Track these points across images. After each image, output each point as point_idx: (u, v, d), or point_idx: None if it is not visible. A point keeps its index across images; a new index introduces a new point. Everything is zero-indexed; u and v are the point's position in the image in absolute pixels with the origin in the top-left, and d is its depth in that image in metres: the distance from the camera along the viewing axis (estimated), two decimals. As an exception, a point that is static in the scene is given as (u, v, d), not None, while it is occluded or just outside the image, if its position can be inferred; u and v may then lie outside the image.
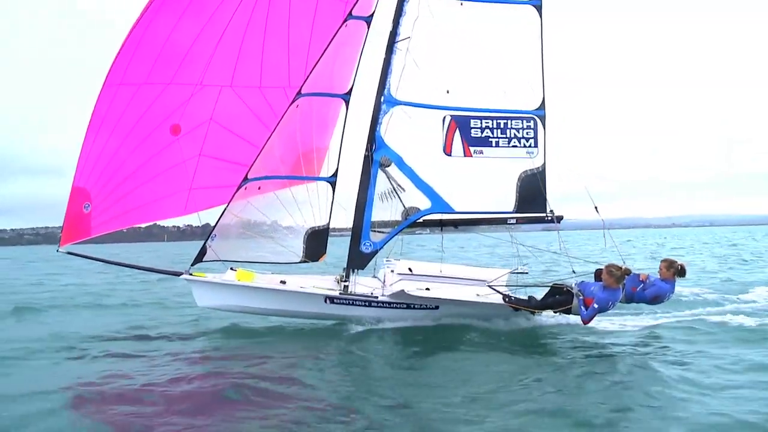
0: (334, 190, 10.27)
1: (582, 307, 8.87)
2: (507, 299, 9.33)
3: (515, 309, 9.40)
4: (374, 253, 10.01)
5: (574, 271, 9.51)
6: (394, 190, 9.94)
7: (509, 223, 10.19)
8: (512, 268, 10.63)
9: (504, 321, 9.79)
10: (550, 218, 10.18)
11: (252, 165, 9.74)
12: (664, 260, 9.35)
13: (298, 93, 9.65)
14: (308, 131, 10.06)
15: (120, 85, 9.87)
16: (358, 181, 9.97)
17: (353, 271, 10.07)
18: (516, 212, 10.16)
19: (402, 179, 9.96)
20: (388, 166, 9.90)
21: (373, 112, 9.77)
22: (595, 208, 9.78)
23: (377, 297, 9.67)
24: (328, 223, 10.33)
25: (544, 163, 10.14)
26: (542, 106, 10.09)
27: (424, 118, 9.98)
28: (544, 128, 10.12)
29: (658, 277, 9.23)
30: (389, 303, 9.66)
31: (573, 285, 9.13)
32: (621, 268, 8.66)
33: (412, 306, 9.66)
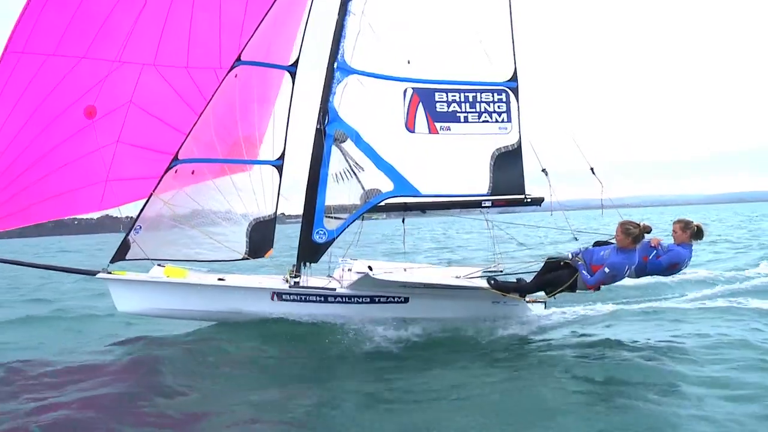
0: (280, 175, 8.84)
1: (584, 272, 7.49)
2: (491, 282, 7.87)
3: (503, 295, 7.92)
4: (329, 242, 8.49)
5: (576, 238, 8.20)
6: (351, 169, 8.57)
7: (483, 207, 8.88)
8: (487, 266, 9.24)
9: (493, 318, 8.32)
10: (529, 200, 8.93)
11: (183, 144, 8.26)
12: (679, 221, 7.92)
13: (238, 59, 8.34)
14: (249, 107, 8.71)
15: (23, 53, 8.35)
16: (309, 158, 8.56)
17: (305, 265, 8.49)
18: (491, 194, 8.88)
19: (360, 157, 8.62)
20: (344, 141, 8.57)
21: (326, 79, 8.52)
22: (591, 169, 8.60)
23: (335, 289, 8.08)
24: (275, 214, 8.83)
25: (520, 139, 9.00)
26: (514, 77, 9.05)
27: (383, 90, 8.78)
28: (518, 101, 9.04)
29: (672, 241, 7.93)
30: (350, 297, 8.08)
31: (570, 255, 7.77)
32: (639, 224, 7.24)
33: (376, 299, 8.10)
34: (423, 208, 8.86)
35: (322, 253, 8.49)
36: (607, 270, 7.30)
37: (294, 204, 8.96)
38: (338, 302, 8.10)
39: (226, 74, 8.27)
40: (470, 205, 8.91)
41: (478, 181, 8.89)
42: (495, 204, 8.87)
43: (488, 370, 6.63)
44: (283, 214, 9.63)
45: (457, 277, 8.62)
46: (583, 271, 7.53)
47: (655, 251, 7.76)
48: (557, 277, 7.72)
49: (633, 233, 7.22)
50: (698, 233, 7.84)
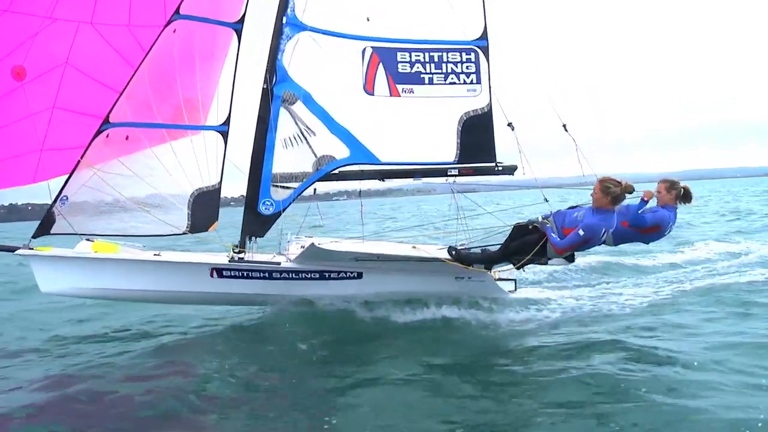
0: (226, 142, 8.02)
1: (553, 235, 6.62)
2: (451, 252, 7.01)
3: (465, 267, 7.05)
4: (277, 215, 7.68)
5: (546, 200, 7.36)
6: (302, 133, 7.77)
7: (450, 176, 8.03)
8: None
9: (457, 296, 7.46)
10: (500, 169, 8.07)
11: (114, 106, 7.48)
12: (664, 180, 7.08)
13: (176, 12, 7.58)
14: (190, 68, 7.91)
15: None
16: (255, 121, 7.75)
17: (250, 239, 7.66)
18: (458, 162, 8.04)
19: (312, 121, 7.82)
20: (293, 103, 7.77)
21: (273, 35, 7.74)
22: (564, 126, 7.77)
23: (280, 264, 7.24)
24: (220, 183, 8.00)
25: (490, 102, 8.16)
26: (484, 35, 8.23)
27: (339, 49, 7.99)
28: (488, 61, 8.21)
29: (655, 203, 7.07)
30: (297, 272, 7.24)
31: (540, 218, 6.91)
32: (620, 182, 6.41)
33: (327, 275, 7.26)
34: (382, 177, 8.02)
35: (269, 226, 7.67)
36: (581, 232, 6.43)
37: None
38: (284, 278, 7.27)
39: (163, 29, 7.50)
40: (435, 173, 8.06)
41: (443, 148, 8.07)
42: (462, 173, 8.04)
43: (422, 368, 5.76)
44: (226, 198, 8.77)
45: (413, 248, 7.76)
46: (552, 234, 6.71)
47: (645, 205, 6.84)
48: (524, 243, 6.85)
49: (613, 192, 6.38)
50: (685, 196, 7.02)
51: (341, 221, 17.06)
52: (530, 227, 6.98)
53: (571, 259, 7.41)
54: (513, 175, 8.11)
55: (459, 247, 7.47)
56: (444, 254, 7.10)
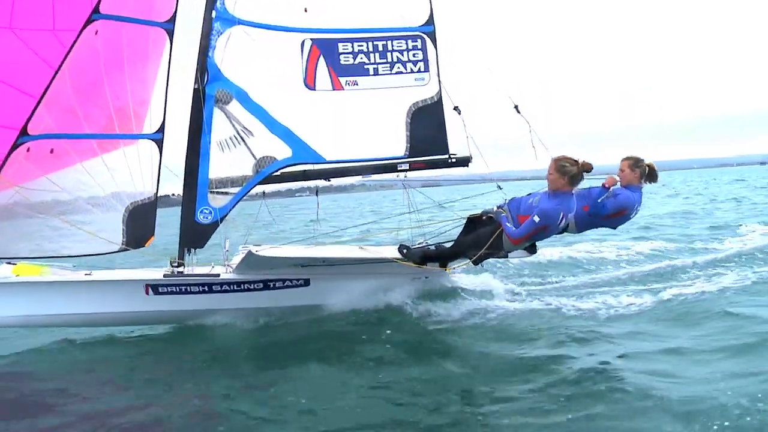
0: (161, 150, 7.51)
1: (507, 224, 6.14)
2: (403, 251, 6.50)
3: (419, 266, 6.54)
4: (217, 223, 7.13)
5: (499, 187, 6.87)
6: (239, 134, 7.26)
7: (400, 171, 7.54)
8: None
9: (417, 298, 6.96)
10: (454, 161, 7.59)
11: (32, 115, 6.95)
12: (628, 157, 6.48)
13: (95, 11, 7.06)
14: (119, 72, 7.39)
15: None
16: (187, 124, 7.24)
17: (189, 252, 7.13)
18: (408, 156, 7.55)
19: (249, 120, 7.31)
20: (228, 103, 7.26)
21: (203, 31, 7.23)
22: (515, 107, 7.31)
23: (219, 275, 6.72)
24: (156, 195, 7.48)
25: (440, 90, 7.68)
26: (430, 20, 7.76)
27: (276, 42, 7.49)
28: (436, 48, 7.74)
29: (618, 184, 6.51)
30: (238, 283, 6.72)
31: (495, 208, 6.41)
32: (577, 161, 5.85)
33: (271, 284, 6.74)
34: (327, 176, 7.52)
35: (209, 236, 7.15)
36: (536, 219, 5.89)
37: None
38: (225, 291, 6.75)
39: (81, 30, 6.98)
40: (384, 170, 7.56)
41: (393, 142, 7.58)
42: (414, 167, 7.54)
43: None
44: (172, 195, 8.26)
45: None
46: (506, 223, 6.20)
47: (606, 193, 6.34)
48: (478, 236, 6.32)
49: (569, 171, 5.81)
50: (650, 174, 6.46)
51: (300, 221, 16.45)
52: (484, 218, 6.48)
53: (532, 250, 6.94)
54: (467, 166, 7.63)
55: (415, 246, 6.98)
56: (395, 253, 6.57)
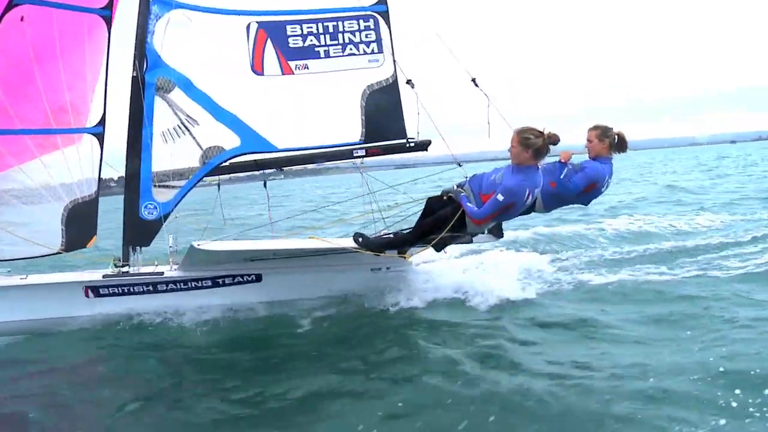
0: (101, 145, 7.07)
1: (469, 204, 5.77)
2: (358, 240, 6.13)
3: (375, 254, 6.17)
4: (162, 219, 6.72)
5: (459, 164, 6.55)
6: (183, 124, 6.85)
7: (356, 157, 7.19)
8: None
9: (377, 291, 6.62)
10: (413, 145, 7.26)
11: (-44, 108, 6.46)
12: (595, 127, 6.01)
13: (18, -5, 6.58)
14: (53, 62, 6.93)
15: None
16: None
17: (134, 250, 6.71)
18: (364, 142, 7.21)
19: (193, 109, 6.90)
20: (170, 91, 6.84)
21: (139, 15, 6.80)
22: (473, 80, 6.94)
23: (163, 273, 6.31)
24: (97, 192, 7.04)
25: (395, 72, 7.34)
26: (382, -1, 7.41)
27: (220, 26, 7.09)
28: (389, 27, 7.40)
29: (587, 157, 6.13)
30: (184, 281, 6.32)
31: (455, 186, 6.04)
32: (542, 132, 5.40)
33: (220, 281, 6.35)
34: (279, 166, 7.15)
35: (155, 232, 6.73)
36: (500, 197, 5.44)
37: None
38: (171, 290, 6.34)
39: (2, 15, 6.48)
40: (339, 156, 7.20)
41: (347, 128, 7.23)
42: (370, 153, 7.20)
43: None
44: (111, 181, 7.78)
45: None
46: (467, 204, 5.73)
47: (565, 169, 5.96)
48: (438, 219, 5.91)
49: (534, 144, 5.36)
50: (620, 144, 6.01)
51: (260, 209, 15.90)
52: (444, 198, 6.01)
53: (498, 233, 6.66)
54: (427, 150, 7.31)
55: (377, 234, 6.63)
56: (349, 242, 6.20)
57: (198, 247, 5.46)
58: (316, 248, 6.13)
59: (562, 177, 5.95)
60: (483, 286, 6.67)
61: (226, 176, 7.11)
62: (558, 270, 7.92)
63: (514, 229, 9.68)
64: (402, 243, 6.10)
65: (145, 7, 6.73)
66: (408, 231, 6.20)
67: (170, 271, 6.37)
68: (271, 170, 7.56)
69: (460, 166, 6.66)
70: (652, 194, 17.87)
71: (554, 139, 5.43)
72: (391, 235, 6.37)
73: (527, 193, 5.50)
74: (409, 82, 7.09)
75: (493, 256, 8.34)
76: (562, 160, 5.98)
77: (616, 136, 5.98)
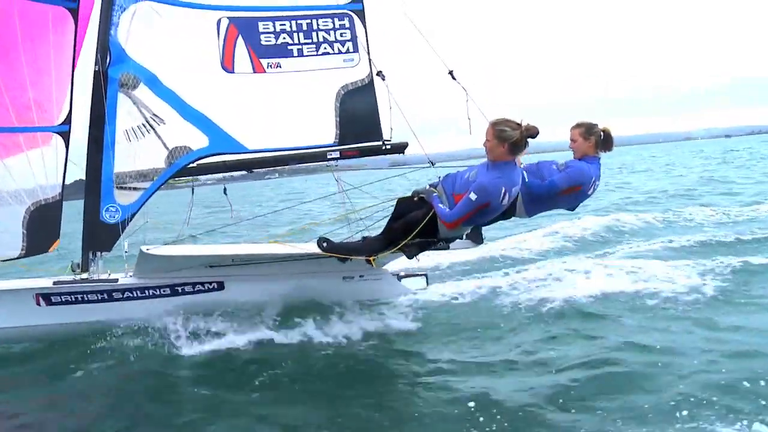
0: (67, 144, 6.76)
1: (440, 205, 5.42)
2: (322, 245, 5.82)
3: (341, 259, 5.88)
4: (124, 222, 6.43)
5: (432, 163, 6.30)
6: (148, 122, 6.57)
7: (330, 160, 6.93)
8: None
9: (351, 300, 6.35)
10: (389, 147, 7.01)
11: None
12: (579, 124, 5.62)
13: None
14: (15, 57, 6.63)
15: None
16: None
17: (95, 255, 6.41)
18: (339, 144, 6.95)
19: (159, 107, 6.62)
20: (135, 87, 6.56)
21: (102, 7, 6.51)
22: (450, 73, 6.66)
23: (117, 280, 6.02)
24: (61, 194, 6.73)
25: (371, 72, 7.09)
26: (359, -5, 7.16)
27: (189, 20, 6.81)
28: (365, 25, 7.15)
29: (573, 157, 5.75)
30: (141, 289, 6.03)
31: (427, 186, 5.74)
32: (520, 124, 5.01)
33: (179, 289, 6.07)
34: (249, 167, 6.89)
35: (117, 236, 6.42)
36: (473, 197, 5.02)
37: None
38: (127, 298, 6.05)
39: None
40: (313, 158, 6.94)
41: (321, 129, 6.97)
42: (345, 155, 6.94)
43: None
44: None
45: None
46: (439, 205, 5.32)
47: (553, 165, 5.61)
48: (408, 223, 5.45)
49: (510, 137, 4.95)
50: (606, 141, 5.61)
51: (244, 210, 15.62)
52: (416, 199, 5.62)
53: (477, 239, 6.38)
54: (404, 153, 7.07)
55: (346, 239, 6.35)
56: (313, 248, 5.91)
57: (147, 252, 5.17)
58: (278, 255, 5.85)
59: (546, 181, 5.63)
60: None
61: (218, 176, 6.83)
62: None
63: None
64: (370, 248, 5.71)
65: (109, -1, 6.43)
66: (377, 235, 5.89)
67: (125, 278, 6.07)
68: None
69: (433, 165, 6.40)
70: (697, 185, 18.22)
71: (532, 132, 5.02)
72: (360, 240, 6.08)
73: (503, 192, 5.05)
74: (379, 73, 6.83)
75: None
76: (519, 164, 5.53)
77: (601, 133, 5.59)
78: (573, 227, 10.71)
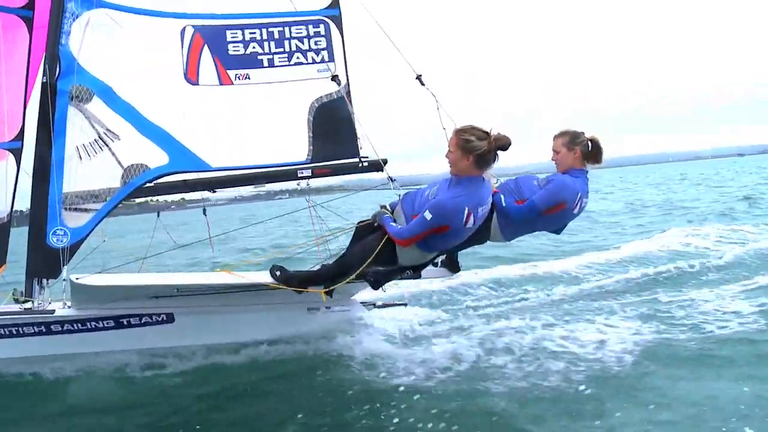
0: (18, 162, 6.22)
1: (391, 223, 4.73)
2: (275, 273, 5.18)
3: (298, 290, 5.22)
4: (74, 247, 5.85)
5: (391, 179, 5.73)
6: (101, 138, 6.02)
7: (301, 178, 6.36)
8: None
9: (317, 334, 5.72)
10: (365, 165, 6.42)
11: None
12: (562, 134, 4.96)
13: None
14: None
15: None
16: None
17: (40, 283, 5.83)
18: (311, 162, 6.37)
19: (114, 121, 6.09)
20: (87, 101, 6.02)
21: (51, 13, 6.01)
22: (418, 77, 6.23)
23: (54, 311, 5.43)
24: (10, 216, 6.18)
25: (348, 83, 6.54)
26: (335, 2, 6.66)
27: (149, 29, 6.32)
28: (342, 34, 6.63)
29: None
30: (82, 321, 5.44)
31: (387, 206, 5.04)
32: (488, 133, 4.32)
33: (124, 321, 5.46)
34: (212, 187, 6.31)
35: (64, 262, 5.83)
36: (427, 215, 4.35)
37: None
38: (68, 331, 5.45)
39: None
40: (282, 177, 6.37)
41: (293, 145, 6.43)
42: (317, 173, 6.35)
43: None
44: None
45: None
46: (390, 224, 4.68)
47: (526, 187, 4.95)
48: (364, 248, 4.79)
49: (476, 148, 4.26)
50: (593, 152, 4.92)
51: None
52: (375, 224, 4.95)
53: (453, 267, 5.75)
54: (383, 171, 6.46)
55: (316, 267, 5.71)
56: (266, 277, 5.26)
57: (77, 282, 4.58)
58: (228, 284, 5.24)
59: (517, 201, 4.97)
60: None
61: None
62: None
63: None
64: (326, 278, 5.01)
65: (59, 5, 5.93)
66: (333, 263, 5.18)
67: (63, 309, 5.48)
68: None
69: (392, 180, 5.82)
70: (740, 205, 17.38)
71: (503, 142, 4.32)
72: (317, 268, 5.38)
73: (465, 212, 4.35)
74: (335, 78, 6.26)
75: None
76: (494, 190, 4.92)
77: (588, 143, 4.92)
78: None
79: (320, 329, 5.85)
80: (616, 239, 12.17)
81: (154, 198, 6.92)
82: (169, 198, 7.25)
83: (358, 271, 4.68)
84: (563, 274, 8.82)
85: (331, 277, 4.94)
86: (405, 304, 6.54)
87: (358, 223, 5.29)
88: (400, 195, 5.10)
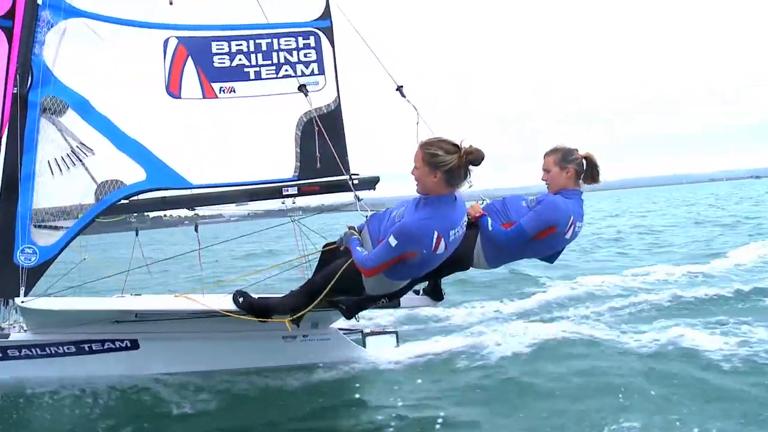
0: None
1: (357, 248, 4.20)
2: (238, 300, 4.73)
3: (261, 320, 4.75)
4: (43, 266, 5.46)
5: (358, 198, 5.36)
6: (74, 153, 5.69)
7: (287, 196, 6.00)
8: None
9: (294, 363, 5.30)
10: (356, 182, 6.04)
11: None
12: (553, 151, 4.55)
13: None
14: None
15: None
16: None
17: (6, 304, 5.45)
18: (299, 179, 6.02)
19: (89, 135, 5.76)
20: (61, 113, 5.71)
21: (24, 22, 5.72)
22: (398, 88, 5.93)
23: (8, 335, 5.03)
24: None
25: (338, 97, 6.22)
26: (326, 13, 6.37)
27: (130, 41, 6.04)
28: (333, 46, 6.33)
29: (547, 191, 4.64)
30: (40, 346, 5.03)
31: (355, 228, 4.56)
32: (458, 145, 3.79)
33: (86, 347, 5.06)
34: (190, 205, 5.94)
35: (32, 283, 5.44)
36: (392, 242, 3.82)
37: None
38: (26, 357, 5.05)
39: None
40: (266, 195, 6.01)
41: (279, 162, 6.08)
42: (305, 191, 5.99)
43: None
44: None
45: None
46: (357, 248, 4.18)
47: (485, 222, 4.52)
48: (328, 274, 4.37)
49: (445, 163, 3.73)
50: (590, 171, 4.53)
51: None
52: (341, 247, 4.53)
53: (436, 296, 5.32)
54: (374, 189, 6.10)
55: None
56: (228, 303, 4.81)
57: (22, 306, 4.18)
58: (191, 310, 4.82)
59: (502, 225, 4.55)
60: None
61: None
62: None
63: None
64: (292, 305, 4.53)
65: (32, 13, 5.64)
66: (298, 289, 4.70)
67: (18, 333, 5.07)
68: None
69: (359, 199, 5.44)
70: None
71: (475, 156, 3.75)
72: (284, 295, 4.89)
73: (435, 237, 3.81)
74: (301, 87, 5.95)
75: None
76: (472, 216, 4.50)
77: (582, 161, 4.53)
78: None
79: (296, 359, 5.41)
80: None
81: (168, 213, 6.63)
82: (182, 213, 7.02)
83: (318, 300, 4.24)
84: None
85: (297, 305, 4.48)
86: (396, 332, 6.10)
87: (324, 246, 4.84)
88: (367, 216, 4.65)
